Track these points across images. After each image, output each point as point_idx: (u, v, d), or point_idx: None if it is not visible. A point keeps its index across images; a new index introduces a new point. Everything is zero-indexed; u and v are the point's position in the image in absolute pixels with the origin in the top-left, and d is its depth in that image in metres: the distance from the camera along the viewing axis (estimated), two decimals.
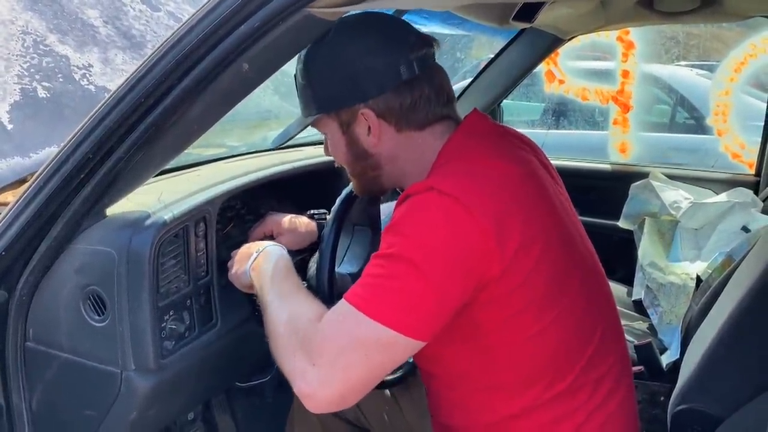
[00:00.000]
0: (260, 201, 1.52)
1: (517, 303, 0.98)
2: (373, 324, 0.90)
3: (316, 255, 1.27)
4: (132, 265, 1.10)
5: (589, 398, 1.05)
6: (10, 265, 1.12)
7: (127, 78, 1.01)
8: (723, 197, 2.23)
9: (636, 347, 1.67)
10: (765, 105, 2.42)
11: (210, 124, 1.07)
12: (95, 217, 1.14)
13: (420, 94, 1.06)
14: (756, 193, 2.29)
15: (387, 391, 1.39)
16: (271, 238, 1.35)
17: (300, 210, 1.45)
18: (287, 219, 1.39)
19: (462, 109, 1.12)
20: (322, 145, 1.19)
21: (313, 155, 1.68)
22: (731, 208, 2.16)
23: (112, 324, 1.11)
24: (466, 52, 5.16)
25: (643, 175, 2.38)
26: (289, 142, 1.27)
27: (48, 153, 1.48)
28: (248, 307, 1.30)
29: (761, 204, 2.19)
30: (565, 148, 3.54)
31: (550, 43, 2.19)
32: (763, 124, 2.37)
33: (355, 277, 1.25)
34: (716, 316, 1.24)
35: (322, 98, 1.09)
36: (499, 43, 2.36)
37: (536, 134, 2.52)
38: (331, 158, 1.18)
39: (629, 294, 2.21)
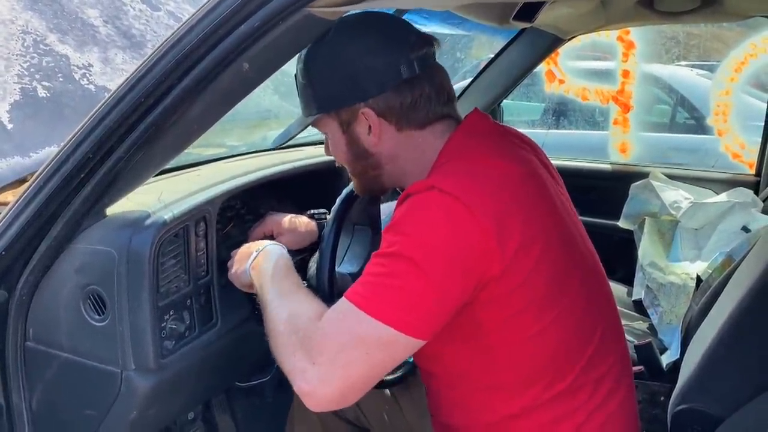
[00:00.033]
0: (260, 201, 1.52)
1: (517, 303, 0.98)
2: (373, 322, 0.91)
3: (316, 255, 1.27)
4: (132, 265, 1.10)
5: (589, 398, 1.05)
6: (10, 265, 1.12)
7: (127, 78, 1.01)
8: (723, 197, 2.23)
9: (636, 347, 1.66)
10: (765, 105, 2.41)
11: (210, 124, 1.07)
12: (95, 217, 1.14)
13: (420, 93, 1.06)
14: (756, 193, 2.29)
15: (387, 391, 1.39)
16: (271, 237, 1.35)
17: (300, 210, 1.45)
18: (287, 219, 1.38)
19: (462, 109, 1.12)
20: (323, 145, 1.19)
21: (314, 155, 1.68)
22: (731, 208, 2.16)
23: (112, 324, 1.11)
24: (466, 52, 5.16)
25: (644, 175, 2.38)
26: (290, 142, 1.26)
27: (48, 153, 1.47)
28: (248, 307, 1.30)
29: (761, 204, 2.19)
30: (565, 148, 3.54)
31: (551, 42, 2.19)
32: (763, 124, 2.37)
33: (355, 276, 1.25)
34: (716, 316, 1.24)
35: (322, 98, 1.08)
36: (499, 43, 2.36)
37: (536, 134, 2.53)
38: (331, 158, 1.18)
39: (629, 294, 2.21)
